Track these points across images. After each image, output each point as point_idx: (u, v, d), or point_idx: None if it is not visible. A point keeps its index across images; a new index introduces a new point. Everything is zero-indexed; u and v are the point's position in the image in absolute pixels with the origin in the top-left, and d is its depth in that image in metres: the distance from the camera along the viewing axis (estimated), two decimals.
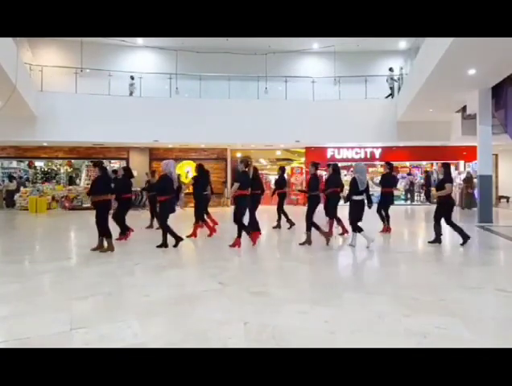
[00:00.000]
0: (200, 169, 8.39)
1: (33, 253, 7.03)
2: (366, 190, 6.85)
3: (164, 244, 6.78)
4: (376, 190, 17.48)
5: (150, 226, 9.49)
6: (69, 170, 18.22)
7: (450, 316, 3.45)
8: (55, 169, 18.37)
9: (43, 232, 10.00)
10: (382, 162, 17.40)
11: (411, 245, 7.80)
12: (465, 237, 6.93)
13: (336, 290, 4.32)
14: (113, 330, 3.17)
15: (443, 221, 7.06)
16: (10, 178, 16.45)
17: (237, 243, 6.87)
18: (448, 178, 7.00)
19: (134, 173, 9.63)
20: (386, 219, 8.51)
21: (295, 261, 5.89)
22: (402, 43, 16.50)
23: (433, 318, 3.40)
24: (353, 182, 6.79)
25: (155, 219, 9.03)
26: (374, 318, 3.41)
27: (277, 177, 9.87)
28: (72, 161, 17.82)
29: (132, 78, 15.48)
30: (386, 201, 8.54)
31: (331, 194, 7.73)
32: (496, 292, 4.22)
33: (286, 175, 10.78)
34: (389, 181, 8.64)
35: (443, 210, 7.00)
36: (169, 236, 6.81)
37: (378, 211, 8.56)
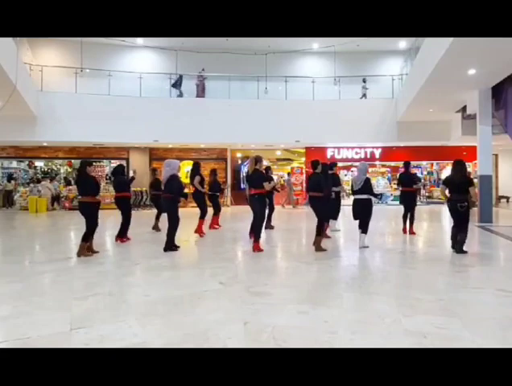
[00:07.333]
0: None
1: (33, 253, 7.03)
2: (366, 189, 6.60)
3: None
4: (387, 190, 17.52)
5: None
6: (69, 170, 18.22)
7: (450, 316, 3.45)
8: (56, 169, 18.37)
9: (43, 232, 9.99)
10: (386, 163, 17.59)
11: (412, 245, 7.79)
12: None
13: (336, 290, 4.32)
14: (113, 330, 3.17)
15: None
16: (10, 178, 16.46)
17: None
18: (471, 180, 6.28)
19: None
20: (409, 220, 8.24)
21: (295, 261, 5.89)
22: (402, 43, 16.50)
23: (433, 318, 3.40)
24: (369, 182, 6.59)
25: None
26: (374, 318, 3.40)
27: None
28: (72, 161, 17.83)
29: (364, 81, 16.11)
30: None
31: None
32: (496, 292, 4.21)
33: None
34: (410, 179, 8.24)
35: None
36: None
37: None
